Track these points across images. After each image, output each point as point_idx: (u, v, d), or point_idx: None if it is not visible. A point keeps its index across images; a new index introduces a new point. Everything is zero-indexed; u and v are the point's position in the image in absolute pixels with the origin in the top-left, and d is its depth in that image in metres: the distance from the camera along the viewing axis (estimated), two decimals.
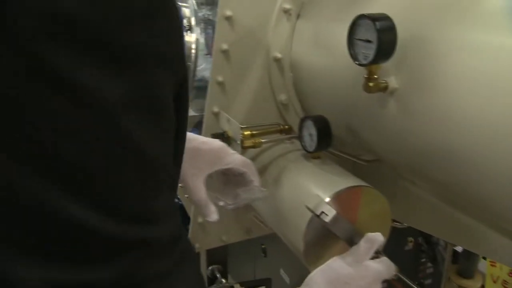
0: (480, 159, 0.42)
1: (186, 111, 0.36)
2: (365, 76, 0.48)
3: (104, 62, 0.24)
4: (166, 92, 0.29)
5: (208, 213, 0.57)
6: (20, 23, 0.21)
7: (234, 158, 0.58)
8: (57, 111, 0.23)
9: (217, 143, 0.59)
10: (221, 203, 0.58)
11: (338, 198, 0.57)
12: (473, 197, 0.49)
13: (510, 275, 0.61)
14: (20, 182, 0.23)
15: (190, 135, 0.57)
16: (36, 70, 0.22)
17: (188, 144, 0.56)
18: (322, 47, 0.65)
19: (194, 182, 0.55)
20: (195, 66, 0.94)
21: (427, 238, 1.21)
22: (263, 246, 1.29)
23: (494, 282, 0.64)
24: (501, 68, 0.39)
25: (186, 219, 0.84)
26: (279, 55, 0.73)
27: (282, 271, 1.25)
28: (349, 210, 0.59)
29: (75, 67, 0.23)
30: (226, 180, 0.61)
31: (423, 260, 1.31)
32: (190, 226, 0.82)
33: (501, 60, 0.39)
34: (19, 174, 0.23)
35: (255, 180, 0.59)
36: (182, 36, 0.33)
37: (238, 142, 0.66)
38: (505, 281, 0.62)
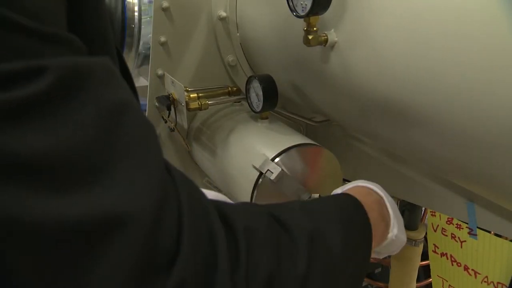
0: (416, 111, 0.42)
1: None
2: (304, 28, 0.47)
3: None
4: None
5: None
6: None
7: None
8: None
9: None
10: None
11: (287, 157, 0.57)
12: (412, 148, 0.50)
13: (448, 222, 0.64)
14: None
15: None
16: None
17: None
18: (266, 2, 0.63)
19: None
20: (139, 29, 0.89)
21: None
22: None
23: (435, 230, 0.67)
24: (432, 21, 0.38)
25: None
26: (224, 14, 0.70)
27: None
28: (298, 168, 0.59)
29: None
30: None
31: None
32: None
33: (431, 13, 0.38)
34: None
35: None
36: None
37: (183, 104, 0.64)
38: (444, 228, 0.65)
